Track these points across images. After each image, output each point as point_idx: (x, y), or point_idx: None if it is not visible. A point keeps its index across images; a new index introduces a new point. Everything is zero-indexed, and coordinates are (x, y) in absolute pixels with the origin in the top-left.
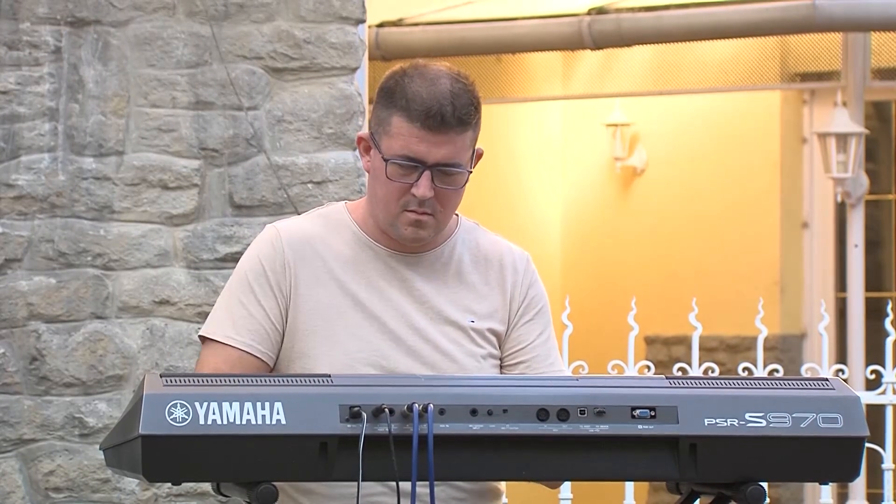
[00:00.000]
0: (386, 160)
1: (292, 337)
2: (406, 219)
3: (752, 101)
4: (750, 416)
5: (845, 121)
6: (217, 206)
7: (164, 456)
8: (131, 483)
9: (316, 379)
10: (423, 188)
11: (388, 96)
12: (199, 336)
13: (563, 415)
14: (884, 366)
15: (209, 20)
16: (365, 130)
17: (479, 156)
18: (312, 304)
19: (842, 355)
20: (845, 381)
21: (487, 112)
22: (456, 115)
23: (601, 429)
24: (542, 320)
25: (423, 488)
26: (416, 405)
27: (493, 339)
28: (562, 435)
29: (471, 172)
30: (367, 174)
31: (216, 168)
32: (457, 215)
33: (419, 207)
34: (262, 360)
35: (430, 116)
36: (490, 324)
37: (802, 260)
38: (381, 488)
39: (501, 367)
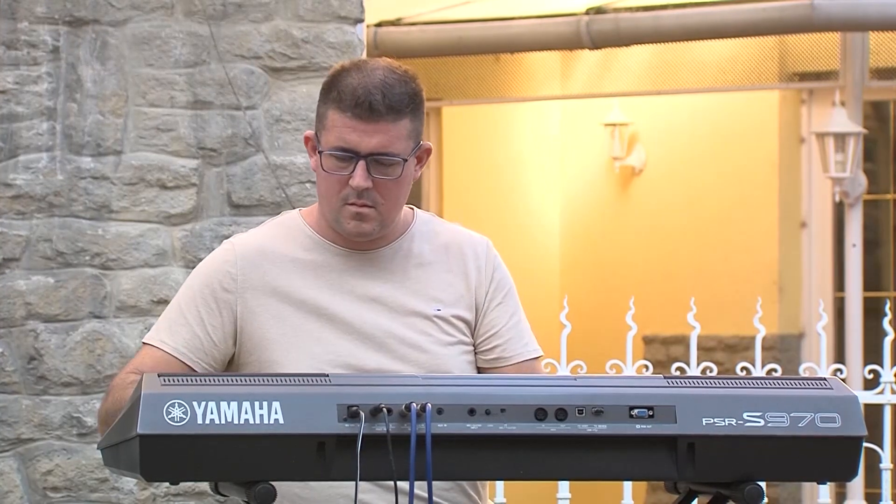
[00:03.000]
0: (320, 152)
1: (258, 348)
2: (347, 212)
3: (750, 101)
4: (748, 416)
5: (844, 120)
6: (215, 206)
7: (162, 455)
8: (129, 482)
9: (314, 378)
10: (358, 178)
11: (326, 92)
12: (142, 342)
13: (561, 414)
14: (882, 365)
15: (207, 20)
16: (311, 131)
17: (428, 151)
18: (274, 314)
19: (840, 355)
20: (843, 380)
21: (486, 112)
22: (386, 102)
23: (599, 428)
24: (511, 302)
25: (418, 485)
26: (414, 405)
27: (461, 325)
28: (560, 434)
29: (418, 164)
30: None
31: (214, 167)
32: (412, 208)
33: (358, 199)
34: (191, 368)
35: (358, 105)
36: (456, 310)
37: (801, 260)
38: (367, 486)
39: (476, 353)
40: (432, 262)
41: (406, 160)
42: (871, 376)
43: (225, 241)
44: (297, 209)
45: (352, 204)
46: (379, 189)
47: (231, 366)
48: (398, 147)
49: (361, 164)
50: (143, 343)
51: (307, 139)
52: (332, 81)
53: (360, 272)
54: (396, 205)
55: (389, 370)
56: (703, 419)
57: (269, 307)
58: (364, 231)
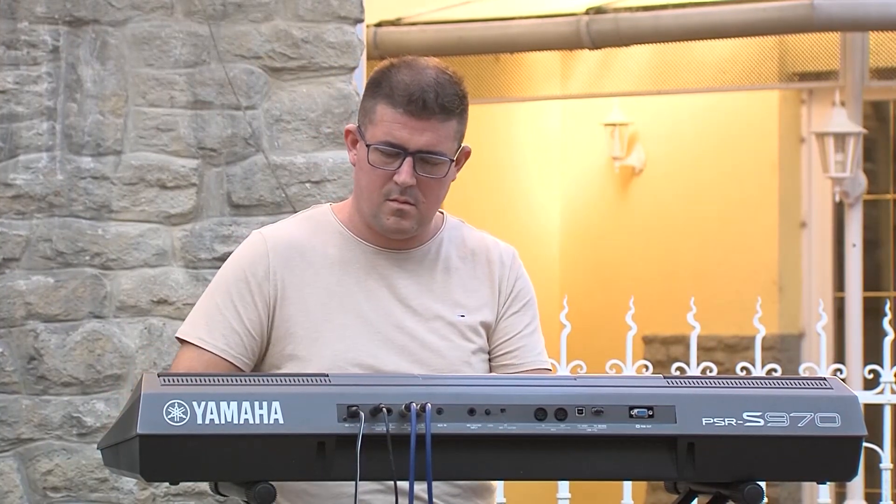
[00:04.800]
0: (368, 146)
1: (281, 340)
2: (388, 208)
3: (750, 101)
4: (748, 416)
5: (843, 120)
6: (215, 206)
7: (161, 455)
8: (129, 482)
9: (314, 378)
10: (404, 174)
11: (375, 86)
12: (176, 337)
13: (561, 414)
14: (882, 365)
15: (207, 20)
16: (353, 124)
17: (467, 154)
18: (300, 308)
19: (840, 355)
20: (843, 380)
21: (486, 112)
22: (439, 101)
23: (599, 428)
24: (530, 312)
25: (419, 485)
26: (414, 405)
27: (484, 332)
28: (559, 434)
29: (456, 166)
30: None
31: (214, 167)
32: (442, 213)
33: (401, 196)
34: (234, 365)
35: (412, 101)
36: (480, 317)
37: (801, 259)
38: (373, 485)
39: (489, 358)
40: (459, 267)
41: (452, 160)
42: (870, 376)
43: (254, 231)
44: (328, 203)
45: (394, 200)
46: (422, 187)
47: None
48: (445, 146)
49: (409, 160)
50: (181, 340)
51: (348, 132)
52: (381, 77)
53: (389, 272)
54: (436, 204)
55: (408, 373)
56: (703, 419)
57: (295, 301)
58: (403, 228)
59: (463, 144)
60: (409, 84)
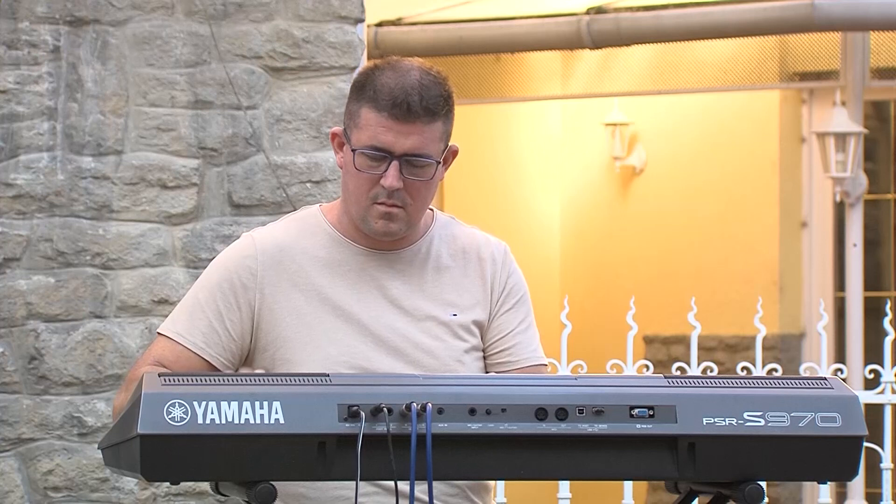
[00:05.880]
0: (354, 150)
1: (272, 344)
2: (376, 211)
3: (750, 101)
4: (748, 416)
5: (844, 120)
6: (216, 206)
7: (162, 455)
8: (130, 482)
9: (314, 378)
10: (390, 178)
11: (359, 89)
12: (157, 332)
13: (562, 414)
14: (882, 365)
15: (208, 19)
16: (339, 127)
17: (454, 153)
18: (290, 311)
19: (840, 355)
20: (844, 380)
21: (486, 112)
22: (423, 104)
23: (599, 428)
24: (523, 309)
25: (418, 486)
26: (415, 404)
27: (477, 330)
28: (560, 434)
29: (443, 167)
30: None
31: (215, 167)
32: (432, 210)
33: (388, 199)
34: (210, 363)
35: (396, 105)
36: (473, 315)
37: (801, 259)
38: (371, 488)
39: (484, 357)
40: (450, 266)
41: (438, 162)
42: (871, 376)
43: (245, 234)
44: (318, 205)
45: (381, 203)
46: (409, 190)
47: (245, 363)
48: (431, 149)
49: (395, 164)
50: (160, 334)
51: (334, 135)
52: (365, 79)
53: (379, 273)
54: (424, 206)
55: (408, 373)
56: (704, 419)
57: (286, 304)
58: (391, 231)
59: (450, 143)
60: (392, 87)
